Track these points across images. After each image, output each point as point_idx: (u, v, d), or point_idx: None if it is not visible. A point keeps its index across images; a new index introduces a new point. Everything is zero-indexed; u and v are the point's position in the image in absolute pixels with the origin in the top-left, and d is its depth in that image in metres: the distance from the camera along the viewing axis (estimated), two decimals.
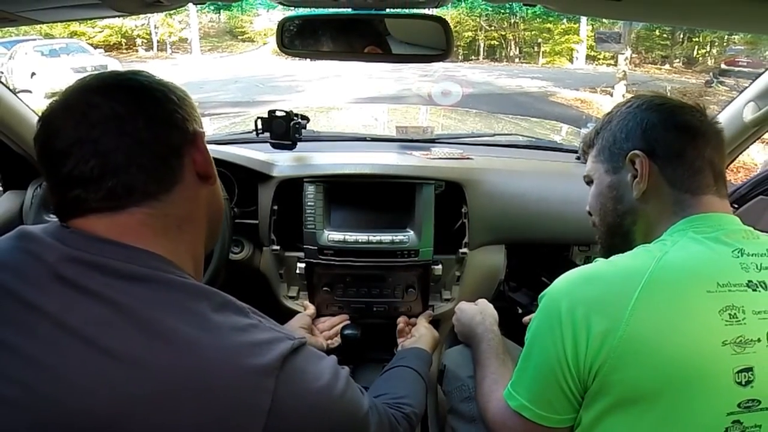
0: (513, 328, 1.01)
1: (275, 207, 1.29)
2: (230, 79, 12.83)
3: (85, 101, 0.51)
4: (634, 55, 15.02)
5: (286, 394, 0.48)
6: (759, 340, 0.57)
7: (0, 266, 0.49)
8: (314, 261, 1.23)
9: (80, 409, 0.43)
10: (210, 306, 0.49)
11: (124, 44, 18.40)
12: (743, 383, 0.56)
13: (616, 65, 12.35)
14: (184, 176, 0.55)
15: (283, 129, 1.30)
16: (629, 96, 0.84)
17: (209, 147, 0.59)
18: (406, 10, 0.99)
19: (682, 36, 17.04)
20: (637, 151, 0.70)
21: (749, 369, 0.56)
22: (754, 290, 0.59)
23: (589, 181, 0.80)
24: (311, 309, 1.25)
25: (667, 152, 0.69)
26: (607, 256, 0.68)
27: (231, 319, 0.49)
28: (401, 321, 1.25)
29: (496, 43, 20.33)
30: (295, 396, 0.49)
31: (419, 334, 1.15)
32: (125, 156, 0.50)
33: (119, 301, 0.46)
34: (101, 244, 0.49)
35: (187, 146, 0.56)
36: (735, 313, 0.57)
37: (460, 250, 1.30)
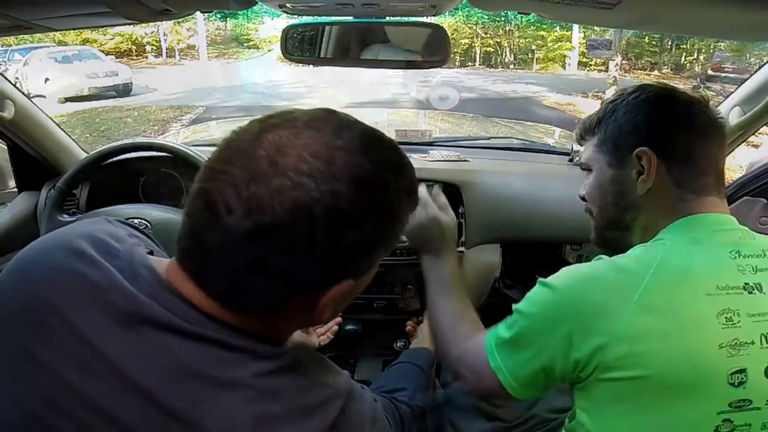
0: None
1: None
2: (237, 86, 12.89)
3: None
4: (624, 62, 15.11)
5: None
6: (752, 343, 0.57)
7: (53, 285, 0.45)
8: None
9: None
10: (268, 367, 0.46)
11: (134, 51, 18.37)
12: (736, 384, 0.56)
13: (606, 71, 12.51)
14: (287, 308, 0.47)
15: None
16: None
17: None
18: (406, 18, 1.02)
19: (670, 43, 17.19)
20: (645, 148, 0.67)
21: (742, 371, 0.56)
22: (749, 293, 0.59)
23: (587, 168, 0.76)
24: None
25: (675, 151, 0.67)
26: (600, 245, 0.68)
27: (286, 382, 0.47)
28: (409, 324, 1.27)
29: (492, 49, 20.42)
30: None
31: (423, 335, 1.18)
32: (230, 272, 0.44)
33: (181, 357, 0.43)
34: (175, 301, 0.45)
35: (323, 287, 0.47)
36: (731, 317, 0.57)
37: (457, 249, 1.33)
